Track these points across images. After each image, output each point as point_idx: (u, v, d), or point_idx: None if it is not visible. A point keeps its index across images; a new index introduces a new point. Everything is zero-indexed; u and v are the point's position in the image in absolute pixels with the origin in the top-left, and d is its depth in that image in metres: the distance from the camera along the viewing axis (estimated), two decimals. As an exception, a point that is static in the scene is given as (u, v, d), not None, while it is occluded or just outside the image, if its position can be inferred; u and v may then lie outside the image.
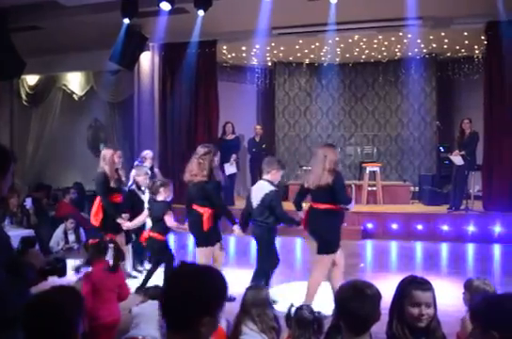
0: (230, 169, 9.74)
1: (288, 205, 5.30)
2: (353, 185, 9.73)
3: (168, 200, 5.28)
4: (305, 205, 4.85)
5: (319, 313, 2.64)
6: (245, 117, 11.67)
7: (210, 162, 4.79)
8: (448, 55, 11.02)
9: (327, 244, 4.47)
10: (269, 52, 10.83)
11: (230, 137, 10.12)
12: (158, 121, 10.16)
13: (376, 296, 2.05)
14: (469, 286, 2.99)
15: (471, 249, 7.78)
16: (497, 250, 7.66)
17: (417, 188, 10.47)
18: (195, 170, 4.77)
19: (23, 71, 9.15)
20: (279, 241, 5.01)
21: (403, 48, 10.53)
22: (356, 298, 2.00)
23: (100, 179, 5.44)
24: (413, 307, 2.24)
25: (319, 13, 8.09)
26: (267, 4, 7.74)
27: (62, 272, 2.08)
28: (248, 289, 3.10)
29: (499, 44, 8.42)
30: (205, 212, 4.77)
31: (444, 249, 7.82)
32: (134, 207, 5.85)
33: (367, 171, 9.96)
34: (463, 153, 8.54)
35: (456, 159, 8.62)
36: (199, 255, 4.89)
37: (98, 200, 5.55)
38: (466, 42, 9.93)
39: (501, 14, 7.95)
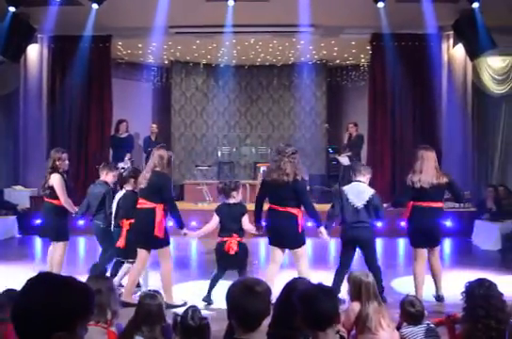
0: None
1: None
2: (247, 185, 9.95)
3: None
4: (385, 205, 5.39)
5: (205, 318, 2.63)
6: (140, 115, 11.42)
7: (299, 161, 4.75)
8: (337, 62, 11.67)
9: (439, 237, 5.01)
10: (166, 50, 10.71)
11: (122, 134, 9.82)
12: (46, 117, 9.60)
13: (266, 292, 2.12)
14: (349, 278, 3.24)
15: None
16: (379, 244, 8.28)
17: (308, 187, 10.96)
18: (288, 169, 4.62)
19: None
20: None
21: (296, 53, 10.96)
22: (246, 296, 2.05)
23: (167, 181, 4.69)
24: None
25: (217, 15, 8.19)
26: (165, 2, 7.68)
27: None
28: (140, 300, 2.90)
29: (382, 54, 9.17)
30: (299, 212, 4.71)
31: (332, 244, 8.28)
32: None
33: (261, 171, 10.24)
34: (349, 153, 9.15)
35: (343, 160, 9.21)
36: (301, 255, 4.79)
37: (158, 207, 4.58)
38: (353, 51, 10.59)
39: (383, 27, 8.66)
